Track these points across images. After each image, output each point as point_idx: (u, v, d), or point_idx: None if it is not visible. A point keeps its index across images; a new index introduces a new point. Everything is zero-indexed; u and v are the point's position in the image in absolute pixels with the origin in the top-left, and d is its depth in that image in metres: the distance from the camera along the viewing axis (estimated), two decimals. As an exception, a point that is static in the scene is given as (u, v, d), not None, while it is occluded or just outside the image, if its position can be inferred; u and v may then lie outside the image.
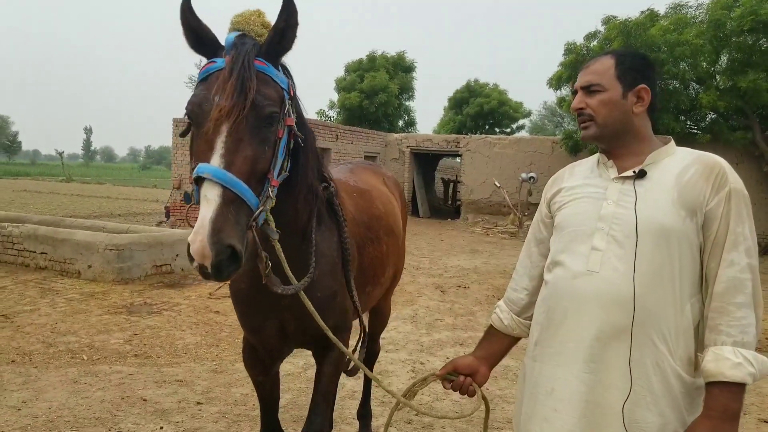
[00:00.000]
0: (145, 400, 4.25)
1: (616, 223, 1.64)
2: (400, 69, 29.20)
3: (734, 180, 1.61)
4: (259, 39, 1.81)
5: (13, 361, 4.97)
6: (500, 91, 34.43)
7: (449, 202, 25.66)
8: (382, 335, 6.08)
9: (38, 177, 49.58)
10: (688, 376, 1.59)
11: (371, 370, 3.90)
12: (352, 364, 2.65)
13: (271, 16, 1.86)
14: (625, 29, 15.07)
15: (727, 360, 1.49)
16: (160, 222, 16.72)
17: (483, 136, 21.81)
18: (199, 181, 1.60)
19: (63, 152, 60.10)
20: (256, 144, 1.67)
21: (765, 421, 4.40)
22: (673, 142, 1.76)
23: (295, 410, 4.16)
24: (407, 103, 30.45)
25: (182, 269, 8.95)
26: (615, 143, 1.74)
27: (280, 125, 1.78)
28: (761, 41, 14.85)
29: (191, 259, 1.53)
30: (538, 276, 1.92)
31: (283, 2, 1.76)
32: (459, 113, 34.50)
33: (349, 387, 4.63)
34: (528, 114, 37.83)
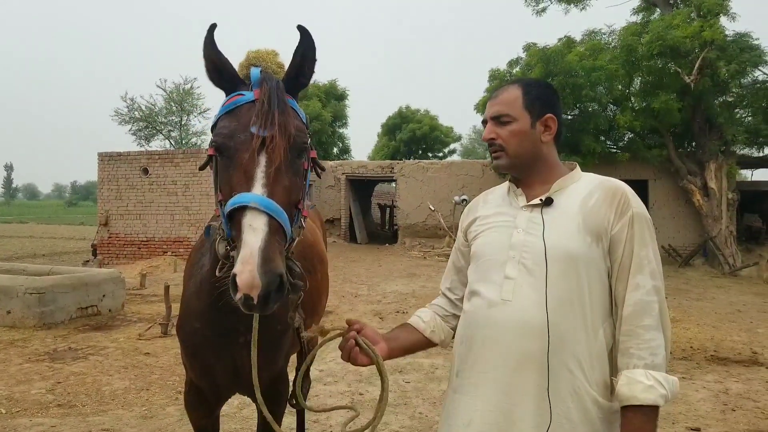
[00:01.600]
0: (68, 452, 4.04)
1: (526, 251, 1.66)
2: (332, 97, 29.44)
3: (636, 204, 1.65)
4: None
5: None
6: (431, 117, 35.24)
7: (386, 227, 25.84)
8: (319, 367, 6.06)
9: (-48, 218, 46.66)
10: (605, 400, 1.60)
11: (305, 400, 3.87)
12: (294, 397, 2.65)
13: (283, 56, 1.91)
14: (545, 56, 15.82)
15: (640, 383, 1.51)
16: (87, 261, 16.06)
17: (416, 161, 22.18)
18: (237, 212, 1.57)
19: (-20, 191, 56.76)
20: (291, 174, 1.69)
21: (693, 429, 4.61)
22: (578, 169, 1.81)
23: (231, 451, 4.05)
24: (341, 131, 30.67)
25: (110, 310, 8.61)
26: (526, 172, 1.78)
27: (306, 157, 1.81)
28: (669, 65, 15.90)
29: (235, 290, 1.46)
30: (456, 304, 1.95)
31: (301, 36, 1.80)
32: (392, 139, 35.05)
33: (287, 423, 4.55)
34: (458, 138, 38.84)
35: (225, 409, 4.82)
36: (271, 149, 1.64)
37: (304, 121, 1.86)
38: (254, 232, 1.51)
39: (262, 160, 1.64)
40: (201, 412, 2.46)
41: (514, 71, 17.70)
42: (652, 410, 1.52)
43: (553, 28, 19.57)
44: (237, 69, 1.90)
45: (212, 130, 1.79)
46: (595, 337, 1.60)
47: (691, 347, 7.18)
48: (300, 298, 1.87)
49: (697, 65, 14.98)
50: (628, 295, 1.59)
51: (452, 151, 37.60)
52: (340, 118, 29.87)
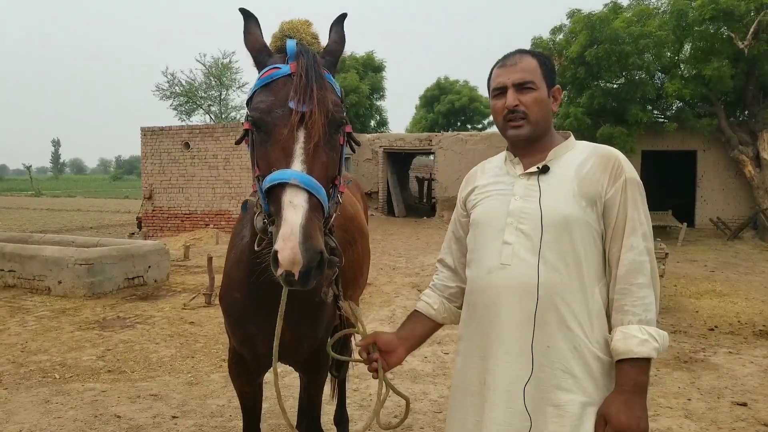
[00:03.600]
0: (119, 417, 4.17)
1: (524, 217, 1.72)
2: (369, 69, 29.11)
3: (629, 170, 1.72)
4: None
5: (-19, 384, 4.84)
6: (470, 88, 34.60)
7: (424, 201, 25.72)
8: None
9: (6, 193, 48.49)
10: (606, 356, 1.67)
11: (345, 374, 3.91)
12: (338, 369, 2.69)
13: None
14: (590, 22, 15.27)
15: (635, 338, 1.60)
16: (133, 233, 16.50)
17: (455, 133, 21.91)
18: (276, 188, 1.57)
19: (30, 166, 58.80)
20: (329, 150, 1.68)
21: (739, 404, 4.50)
22: (572, 138, 1.86)
23: (273, 419, 4.12)
24: (378, 103, 30.39)
25: (155, 281, 8.84)
26: (537, 140, 1.81)
27: (343, 132, 1.80)
28: (722, 29, 15.19)
29: (276, 266, 1.48)
30: (459, 272, 2.01)
31: (335, 29, 1.89)
32: (431, 111, 34.61)
33: (325, 392, 4.60)
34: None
35: (266, 375, 4.90)
36: (310, 125, 1.62)
37: (340, 95, 1.83)
38: (295, 209, 1.51)
39: (301, 135, 1.62)
40: (244, 379, 2.50)
41: (557, 39, 17.19)
42: (645, 362, 1.61)
43: (598, -6, 18.85)
44: (271, 41, 1.87)
45: (248, 104, 1.76)
46: (592, 296, 1.68)
47: (739, 321, 6.98)
48: (335, 273, 1.88)
49: (752, 29, 14.30)
50: (622, 255, 1.67)
51: (492, 123, 36.90)
52: (377, 90, 29.56)
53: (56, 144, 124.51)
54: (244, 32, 1.84)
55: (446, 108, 33.49)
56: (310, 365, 2.49)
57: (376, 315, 7.20)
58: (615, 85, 16.58)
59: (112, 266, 8.27)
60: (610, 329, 1.69)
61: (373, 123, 30.26)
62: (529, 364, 1.66)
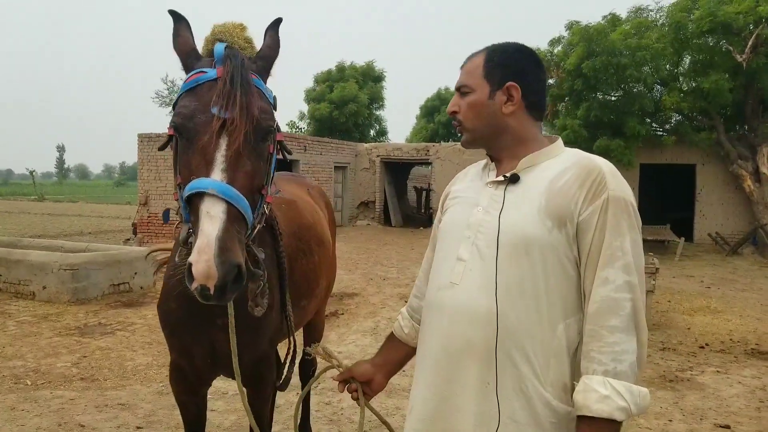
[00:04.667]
0: (82, 426, 4.10)
1: (481, 231, 1.51)
2: (369, 79, 29.24)
3: (615, 186, 1.42)
4: (242, 52, 1.75)
5: (-49, 389, 4.78)
6: (471, 99, 34.66)
7: (423, 210, 25.67)
8: (339, 349, 6.01)
9: (9, 197, 48.61)
10: (562, 404, 1.42)
11: (286, 387, 3.83)
12: (282, 379, 2.61)
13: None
14: (587, 35, 15.25)
15: (595, 392, 1.32)
16: (128, 239, 16.46)
17: (452, 143, 21.85)
18: (195, 197, 1.51)
19: (34, 171, 59.08)
20: (254, 159, 1.62)
21: (722, 426, 4.39)
22: (559, 143, 1.59)
23: (240, 431, 4.04)
24: (378, 113, 30.50)
25: (141, 287, 8.78)
26: (492, 148, 1.61)
27: (272, 140, 1.73)
28: (721, 42, 15.13)
29: (191, 279, 1.42)
30: None
31: (270, 34, 1.85)
32: (431, 121, 34.64)
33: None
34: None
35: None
36: (232, 132, 1.56)
37: (272, 101, 1.77)
38: (211, 220, 1.45)
39: (223, 143, 1.56)
40: (182, 389, 2.43)
41: (555, 51, 17.17)
42: (608, 424, 1.31)
43: (599, 6, 18.87)
44: (202, 45, 1.81)
45: (173, 109, 1.70)
46: (552, 332, 1.42)
47: (731, 339, 6.86)
48: (260, 287, 1.81)
49: (750, 43, 14.22)
50: (594, 290, 1.39)
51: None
52: (376, 100, 29.67)
53: (61, 149, 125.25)
54: (173, 34, 1.79)
55: (447, 118, 33.40)
56: (252, 378, 2.41)
57: (360, 326, 7.12)
58: (613, 98, 16.53)
59: (98, 272, 8.22)
60: (576, 375, 1.44)
61: (372, 132, 30.33)
62: (495, 410, 1.43)
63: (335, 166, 20.91)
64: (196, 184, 1.51)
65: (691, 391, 5.13)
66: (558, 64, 16.61)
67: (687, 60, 16.44)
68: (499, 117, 1.56)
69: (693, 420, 4.49)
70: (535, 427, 1.41)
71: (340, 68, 28.86)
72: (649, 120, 17.00)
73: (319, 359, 1.94)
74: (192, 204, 1.54)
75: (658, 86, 16.95)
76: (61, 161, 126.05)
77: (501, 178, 1.54)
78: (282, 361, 2.74)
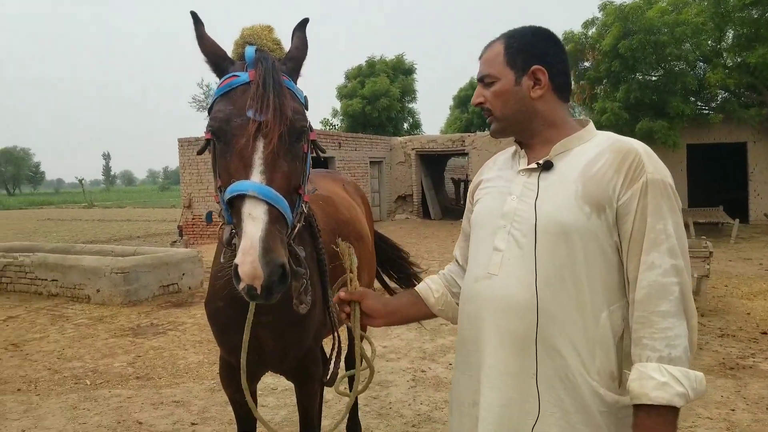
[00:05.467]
0: (140, 423, 4.27)
1: (517, 220, 1.48)
2: (400, 72, 29.18)
3: (653, 169, 1.39)
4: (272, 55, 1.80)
5: (18, 390, 5.04)
6: (506, 86, 34.22)
7: (461, 202, 25.51)
8: (384, 344, 6.07)
9: (61, 205, 50.51)
10: (611, 393, 1.40)
11: (357, 380, 3.89)
12: (329, 374, 2.66)
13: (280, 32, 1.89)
14: (622, 14, 14.87)
15: (651, 379, 1.30)
16: (174, 241, 16.89)
17: (488, 132, 21.69)
18: (236, 199, 1.55)
19: (83, 179, 61.17)
20: (290, 159, 1.66)
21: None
22: (591, 126, 1.56)
23: (290, 426, 4.14)
24: (410, 106, 30.43)
25: (189, 287, 9.04)
26: (524, 134, 1.58)
27: (306, 140, 1.77)
28: (767, 15, 14.54)
29: (238, 280, 1.46)
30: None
31: (297, 35, 1.86)
32: (465, 111, 34.34)
33: (346, 400, 4.60)
34: (536, 107, 37.53)
35: (287, 383, 4.91)
36: (267, 134, 1.59)
37: (303, 101, 1.80)
38: (254, 221, 1.49)
39: (260, 145, 1.60)
40: (233, 388, 2.48)
41: (589, 33, 16.79)
42: (668, 411, 1.29)
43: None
44: (232, 48, 1.85)
45: (209, 113, 1.74)
46: (595, 320, 1.40)
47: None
48: (303, 285, 1.83)
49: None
50: (641, 275, 1.36)
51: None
52: (408, 93, 29.59)
53: (107, 157, 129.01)
54: (197, 36, 1.80)
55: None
56: (299, 374, 2.47)
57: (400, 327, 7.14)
58: (653, 78, 16.09)
59: (147, 274, 8.50)
60: (624, 362, 1.43)
61: (405, 126, 30.26)
62: (535, 401, 1.42)
63: (370, 161, 20.98)
64: (237, 186, 1.55)
65: (754, 379, 4.90)
66: (593, 46, 16.25)
67: (730, 35, 15.86)
68: (527, 102, 1.53)
69: (758, 409, 4.28)
70: (583, 415, 1.39)
71: (371, 63, 28.89)
72: (693, 99, 16.51)
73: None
74: (233, 206, 1.58)
75: (701, 63, 16.43)
76: (107, 168, 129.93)
77: (534, 165, 1.52)
78: (328, 357, 2.79)
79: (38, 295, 8.93)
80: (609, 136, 1.51)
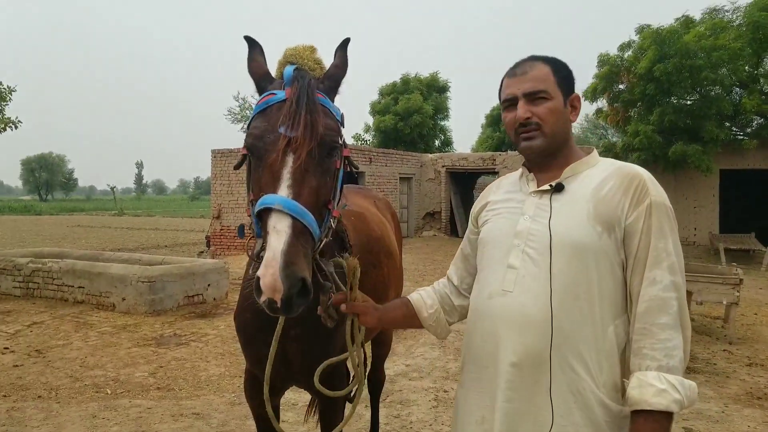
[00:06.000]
0: (159, 434, 4.24)
1: (531, 239, 1.57)
2: (434, 90, 29.28)
3: (656, 192, 1.52)
4: (311, 73, 1.83)
5: (39, 397, 5.06)
6: (537, 106, 34.08)
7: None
8: (407, 362, 5.98)
9: (92, 212, 51.58)
10: (615, 404, 1.49)
11: (377, 399, 3.83)
12: (353, 391, 2.62)
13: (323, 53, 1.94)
14: (659, 37, 14.69)
15: (651, 386, 1.40)
16: (201, 252, 17.06)
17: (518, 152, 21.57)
18: (264, 212, 1.57)
19: (115, 187, 62.55)
20: (320, 174, 1.68)
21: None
22: (595, 153, 1.69)
23: (308, 443, 4.07)
24: (442, 123, 30.44)
25: (214, 299, 9.06)
26: (555, 155, 1.65)
27: (338, 155, 1.79)
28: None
29: (259, 293, 1.48)
30: (461, 292, 1.89)
31: (339, 54, 1.91)
32: (497, 130, 34.20)
33: (367, 417, 4.51)
34: (568, 128, 37.22)
35: (309, 398, 4.86)
36: (296, 149, 1.62)
37: (339, 118, 1.82)
38: (278, 234, 1.51)
39: (289, 160, 1.62)
40: (258, 401, 2.48)
41: (625, 56, 16.63)
42: (664, 416, 1.39)
43: (668, 10, 18.13)
44: (276, 67, 1.89)
45: (247, 129, 1.78)
46: (603, 334, 1.49)
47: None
48: (330, 299, 1.83)
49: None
50: (643, 290, 1.47)
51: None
52: (441, 110, 29.67)
53: (140, 166, 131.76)
54: (248, 59, 1.88)
55: (513, 127, 33.06)
56: (323, 383, 2.44)
57: (428, 338, 7.04)
58: (688, 102, 15.82)
59: (173, 284, 8.54)
60: (624, 373, 1.51)
61: (437, 143, 30.26)
62: (549, 412, 1.48)
63: (400, 177, 20.98)
64: (265, 200, 1.57)
65: None
66: (629, 69, 16.07)
67: (767, 61, 15.55)
68: (568, 125, 1.66)
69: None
70: (592, 427, 1.47)
71: (405, 80, 29.05)
72: (728, 124, 16.19)
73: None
74: (261, 219, 1.60)
75: (737, 88, 16.10)
76: (139, 177, 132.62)
77: (546, 187, 1.61)
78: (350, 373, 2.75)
79: (64, 302, 9.02)
80: (613, 162, 1.64)
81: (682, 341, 1.46)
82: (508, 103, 1.67)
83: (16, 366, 5.89)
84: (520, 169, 1.76)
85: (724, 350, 6.60)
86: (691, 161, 14.73)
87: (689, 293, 6.80)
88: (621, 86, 16.88)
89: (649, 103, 15.90)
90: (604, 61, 16.83)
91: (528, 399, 1.50)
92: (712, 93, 15.37)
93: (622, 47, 16.89)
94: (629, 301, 1.52)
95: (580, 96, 1.67)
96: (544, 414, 1.48)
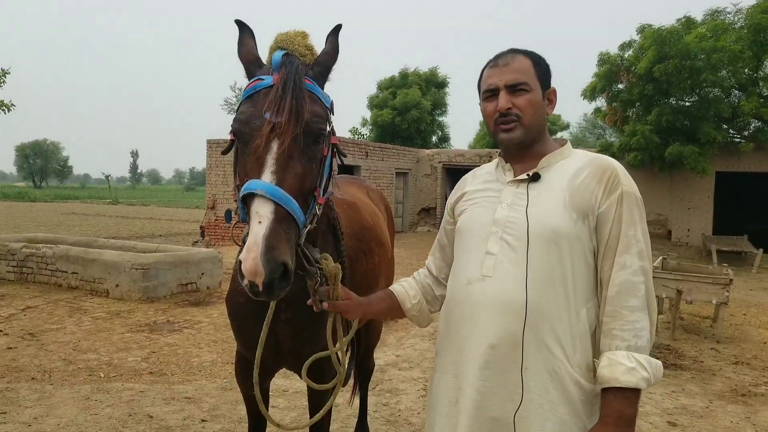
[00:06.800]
0: (151, 417, 4.25)
1: (509, 226, 1.62)
2: (432, 85, 29.22)
3: (627, 182, 1.60)
4: (302, 59, 1.82)
5: (33, 378, 5.06)
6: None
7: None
8: (397, 353, 6.01)
9: (87, 200, 51.34)
10: (587, 383, 1.56)
11: (366, 387, 3.86)
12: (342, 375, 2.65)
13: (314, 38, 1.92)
14: (659, 37, 14.71)
15: (621, 365, 1.47)
16: (196, 242, 17.01)
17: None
18: (248, 198, 1.59)
19: (110, 176, 62.16)
20: (305, 161, 1.68)
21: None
22: (569, 145, 1.75)
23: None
24: (440, 119, 30.41)
25: (207, 287, 9.06)
26: (531, 145, 1.71)
27: (326, 143, 1.79)
28: (806, 45, 14.28)
29: (242, 276, 1.50)
30: (440, 282, 1.94)
31: (330, 40, 1.89)
32: (495, 128, 34.27)
33: (356, 405, 4.54)
34: (566, 126, 37.25)
35: (299, 386, 4.89)
36: (280, 135, 1.62)
37: (328, 105, 1.82)
38: (260, 219, 1.52)
39: (273, 146, 1.63)
40: (249, 383, 2.48)
41: (625, 55, 16.65)
42: (633, 393, 1.48)
43: (669, 12, 18.17)
44: (267, 53, 1.88)
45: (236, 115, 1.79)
46: (577, 317, 1.57)
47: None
48: (317, 283, 1.85)
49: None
50: (613, 274, 1.55)
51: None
52: (439, 106, 29.61)
53: (135, 155, 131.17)
54: (239, 43, 1.88)
55: (511, 125, 33.09)
56: (313, 372, 2.46)
57: (418, 330, 7.06)
58: (686, 103, 15.87)
59: (167, 272, 8.53)
60: (595, 353, 1.58)
61: (434, 139, 30.23)
62: (519, 390, 1.55)
63: (396, 172, 20.99)
64: (249, 185, 1.58)
65: (765, 406, 4.90)
66: (628, 69, 16.10)
67: (767, 64, 15.60)
68: (544, 117, 1.72)
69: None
70: (566, 405, 1.54)
71: (404, 75, 28.96)
72: (725, 126, 16.23)
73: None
74: (246, 205, 1.61)
75: (736, 91, 16.15)
76: (134, 166, 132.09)
77: (524, 176, 1.67)
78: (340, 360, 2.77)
79: (58, 287, 9.01)
80: (586, 153, 1.71)
81: (649, 323, 1.53)
82: (489, 94, 1.71)
83: (10, 348, 5.89)
84: (496, 160, 1.82)
85: (712, 348, 6.66)
86: (687, 162, 14.78)
87: (679, 292, 6.85)
88: (620, 86, 16.91)
89: (648, 104, 15.94)
90: (604, 60, 16.85)
91: (501, 378, 1.56)
92: (711, 95, 15.40)
93: (623, 46, 16.91)
94: (599, 285, 1.60)
95: (555, 91, 1.74)
96: (515, 392, 1.55)
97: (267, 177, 1.58)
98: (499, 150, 1.81)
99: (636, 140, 15.41)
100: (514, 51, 1.73)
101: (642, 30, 16.16)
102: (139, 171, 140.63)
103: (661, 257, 8.30)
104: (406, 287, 1.97)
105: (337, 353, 1.98)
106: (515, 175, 1.70)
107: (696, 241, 16.89)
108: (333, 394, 2.13)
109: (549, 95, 1.72)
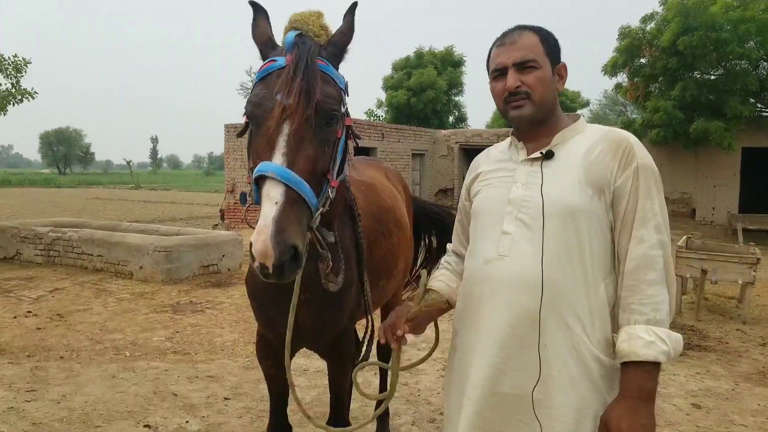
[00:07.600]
0: (175, 395, 4.32)
1: (524, 205, 1.61)
2: (448, 64, 28.86)
3: (642, 155, 1.57)
4: (316, 39, 1.80)
5: (61, 357, 5.17)
6: (555, 83, 33.66)
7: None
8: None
9: (110, 185, 52.06)
10: (607, 358, 1.55)
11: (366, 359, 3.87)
12: (361, 356, 2.65)
13: (331, 18, 1.89)
14: (684, 9, 14.33)
15: (640, 339, 1.46)
16: (216, 225, 17.19)
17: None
18: (260, 180, 1.57)
19: (131, 161, 62.81)
20: (317, 143, 1.66)
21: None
22: (582, 120, 1.72)
23: (320, 407, 4.13)
24: (457, 99, 30.09)
25: (228, 269, 9.15)
26: (543, 122, 1.68)
27: (340, 125, 1.77)
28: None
29: (253, 258, 1.50)
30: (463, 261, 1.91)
31: (346, 19, 1.85)
32: (514, 107, 33.91)
33: (375, 385, 4.56)
34: (586, 103, 36.66)
35: (319, 365, 4.91)
36: (295, 117, 1.60)
37: (342, 86, 1.79)
38: (270, 202, 1.51)
39: (285, 128, 1.61)
40: (270, 361, 2.51)
41: (647, 28, 16.26)
42: (653, 367, 1.47)
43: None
44: (282, 33, 1.85)
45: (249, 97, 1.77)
46: (595, 293, 1.55)
47: None
48: (329, 267, 1.85)
49: None
50: (631, 249, 1.53)
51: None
52: (455, 85, 29.26)
53: (155, 141, 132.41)
54: (252, 25, 1.86)
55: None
56: (333, 352, 2.50)
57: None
58: (712, 76, 15.48)
59: (189, 254, 8.63)
60: (614, 328, 1.57)
61: (451, 119, 29.96)
62: (537, 367, 1.54)
63: (413, 154, 20.86)
64: (260, 167, 1.57)
65: None
66: (651, 42, 15.73)
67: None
68: (555, 93, 1.69)
69: None
70: (586, 380, 1.53)
71: (419, 54, 28.63)
72: (752, 100, 15.82)
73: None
74: (258, 187, 1.60)
75: (765, 63, 15.71)
76: (154, 152, 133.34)
77: (537, 154, 1.65)
78: (360, 340, 2.77)
79: (84, 269, 9.17)
80: (600, 128, 1.68)
81: (668, 296, 1.52)
82: (498, 73, 1.69)
83: (39, 329, 6.03)
84: (509, 138, 1.79)
85: (738, 330, 6.54)
86: (713, 138, 14.47)
87: (704, 272, 6.73)
88: (642, 60, 16.54)
89: (671, 78, 15.59)
90: (625, 33, 16.48)
91: (519, 355, 1.56)
92: (738, 67, 15.00)
93: (645, 19, 16.51)
94: (617, 260, 1.58)
95: (566, 66, 1.70)
96: (533, 369, 1.54)
97: (278, 159, 1.57)
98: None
99: (659, 116, 15.11)
100: (521, 28, 1.70)
101: (665, 1, 15.75)
102: (159, 156, 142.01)
103: (685, 236, 8.15)
104: (446, 281, 1.94)
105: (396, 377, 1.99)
106: (528, 154, 1.68)
107: (721, 219, 16.58)
108: (353, 375, 2.10)
109: (559, 70, 1.69)
